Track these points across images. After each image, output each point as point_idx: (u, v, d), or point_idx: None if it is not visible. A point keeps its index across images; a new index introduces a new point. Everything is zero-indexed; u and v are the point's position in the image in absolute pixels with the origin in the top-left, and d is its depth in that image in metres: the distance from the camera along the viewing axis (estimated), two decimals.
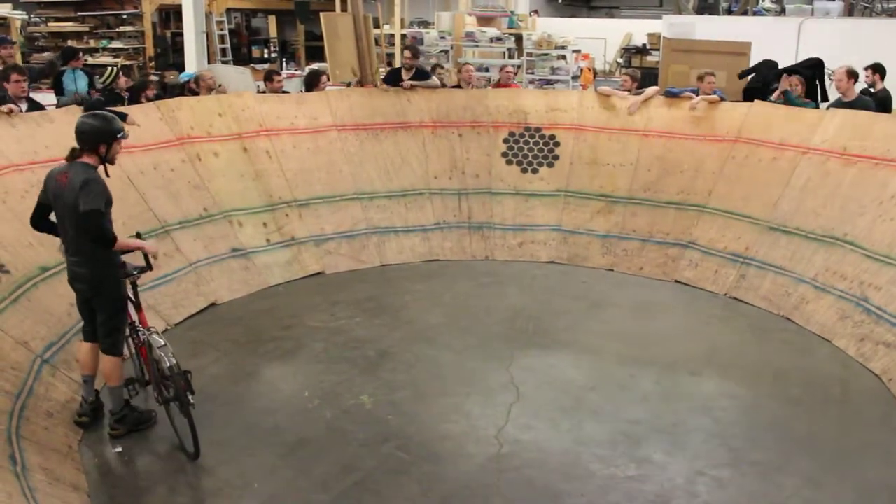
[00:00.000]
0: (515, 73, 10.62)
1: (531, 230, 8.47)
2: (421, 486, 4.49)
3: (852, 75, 7.47)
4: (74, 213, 4.42)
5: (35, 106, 6.92)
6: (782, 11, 14.50)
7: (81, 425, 4.92)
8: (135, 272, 4.78)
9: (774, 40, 12.68)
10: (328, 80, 9.20)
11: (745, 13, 15.57)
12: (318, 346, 6.25)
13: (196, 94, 8.46)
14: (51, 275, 5.56)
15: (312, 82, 8.84)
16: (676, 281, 7.72)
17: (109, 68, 8.04)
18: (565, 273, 8.03)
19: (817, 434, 5.06)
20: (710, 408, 5.36)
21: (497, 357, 6.06)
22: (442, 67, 11.10)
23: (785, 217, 7.23)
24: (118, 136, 4.59)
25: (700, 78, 8.26)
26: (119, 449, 4.77)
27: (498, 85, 9.63)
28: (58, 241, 4.78)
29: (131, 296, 4.84)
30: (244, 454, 4.75)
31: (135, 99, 7.80)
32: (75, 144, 4.55)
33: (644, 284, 7.72)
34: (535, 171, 8.67)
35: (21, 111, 6.47)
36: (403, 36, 18.47)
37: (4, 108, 6.24)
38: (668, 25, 14.11)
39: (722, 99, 8.15)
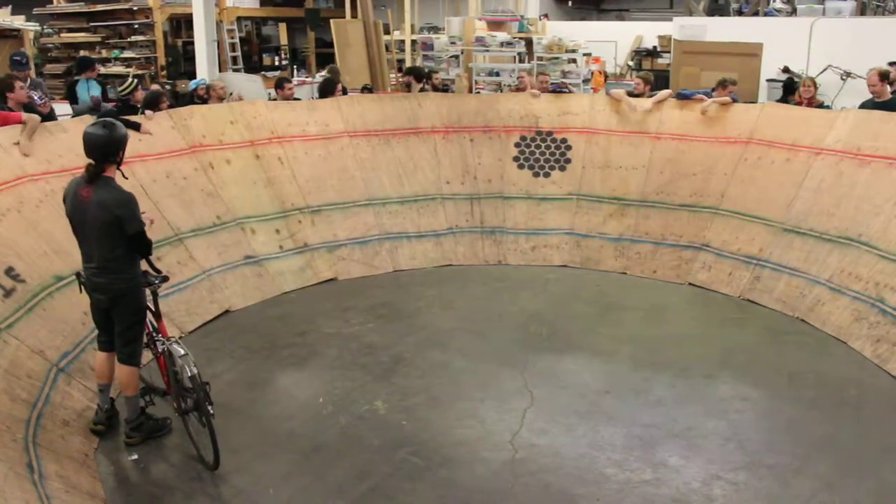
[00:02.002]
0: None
1: (544, 234, 8.46)
2: (436, 491, 4.49)
3: (884, 77, 7.38)
4: (102, 228, 4.46)
5: (31, 109, 6.97)
6: (793, 12, 14.46)
7: (97, 433, 4.95)
8: (155, 281, 4.79)
9: (786, 41, 12.67)
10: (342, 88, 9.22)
11: (755, 14, 15.52)
12: (331, 352, 6.26)
13: (204, 101, 8.50)
14: (65, 284, 5.59)
15: (327, 90, 8.85)
16: (690, 283, 7.70)
17: (130, 79, 8.07)
18: (578, 277, 8.02)
19: (834, 437, 5.03)
20: (726, 411, 5.33)
21: (511, 362, 6.05)
22: (436, 72, 11.09)
23: (799, 218, 7.20)
24: (127, 138, 4.62)
25: (723, 85, 8.18)
26: (135, 457, 4.79)
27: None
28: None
29: (151, 305, 4.85)
30: (259, 461, 4.76)
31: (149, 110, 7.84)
32: (86, 159, 4.54)
33: (657, 287, 7.70)
34: (546, 174, 8.66)
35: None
36: (414, 41, 18.53)
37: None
38: (678, 27, 14.10)
39: (734, 101, 8.12)
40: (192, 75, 14.41)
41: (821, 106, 8.22)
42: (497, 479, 4.59)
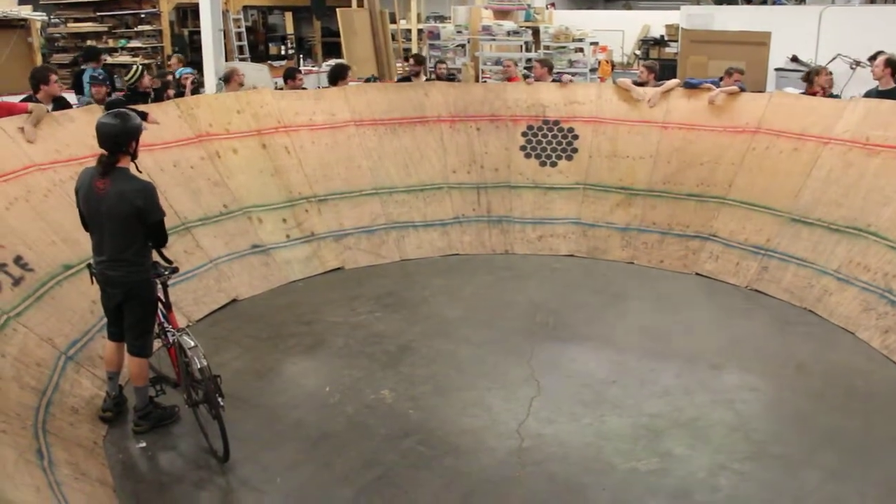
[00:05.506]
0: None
1: (550, 223, 8.45)
2: (442, 479, 4.50)
3: (890, 64, 7.34)
4: (120, 220, 4.45)
5: (62, 103, 6.99)
6: (802, 0, 14.36)
7: (105, 420, 4.98)
8: (165, 273, 4.78)
9: (795, 29, 12.57)
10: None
11: (764, 2, 15.41)
12: (338, 341, 6.27)
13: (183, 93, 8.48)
14: (74, 272, 5.61)
15: (339, 75, 8.83)
16: (697, 273, 7.68)
17: (134, 67, 8.07)
18: (585, 266, 8.01)
19: (841, 427, 5.02)
20: (732, 401, 5.33)
21: (517, 351, 6.06)
22: (443, 63, 11.09)
23: (807, 208, 7.17)
24: (142, 129, 4.62)
25: (729, 74, 8.16)
26: (143, 444, 4.82)
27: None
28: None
29: (161, 297, 4.85)
30: (267, 449, 4.78)
31: (158, 98, 7.87)
32: (98, 148, 4.52)
33: (664, 277, 7.68)
34: (553, 164, 8.64)
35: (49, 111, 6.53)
36: (420, 31, 18.48)
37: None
38: (686, 16, 14.01)
39: (742, 90, 8.08)
40: (199, 65, 14.41)
41: (830, 95, 8.17)
42: (503, 468, 4.60)
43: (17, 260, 5.32)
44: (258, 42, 22.22)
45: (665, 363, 5.87)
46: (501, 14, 16.93)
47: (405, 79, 9.72)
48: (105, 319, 4.94)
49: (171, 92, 8.18)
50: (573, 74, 11.92)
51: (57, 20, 19.26)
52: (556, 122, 8.72)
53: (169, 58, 18.00)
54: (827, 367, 5.83)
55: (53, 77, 6.85)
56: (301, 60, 20.05)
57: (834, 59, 11.59)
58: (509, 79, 9.58)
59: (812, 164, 7.27)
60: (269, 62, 18.71)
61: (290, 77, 8.90)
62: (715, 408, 5.24)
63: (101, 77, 7.63)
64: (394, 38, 17.12)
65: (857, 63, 11.27)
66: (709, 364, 5.87)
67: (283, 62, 18.94)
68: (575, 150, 8.62)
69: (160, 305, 4.86)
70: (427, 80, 9.90)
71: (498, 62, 15.61)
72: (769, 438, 4.89)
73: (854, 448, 4.78)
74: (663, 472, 4.55)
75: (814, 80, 7.96)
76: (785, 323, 6.61)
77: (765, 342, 6.28)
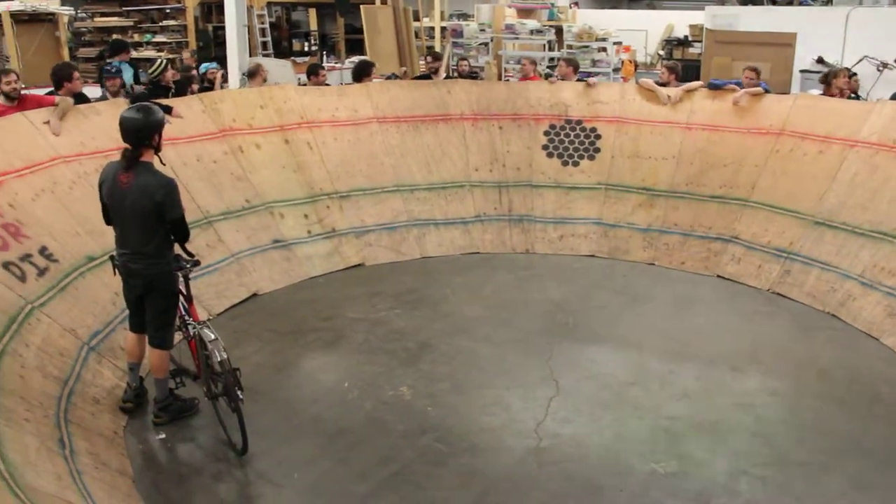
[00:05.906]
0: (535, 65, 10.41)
1: (571, 223, 8.42)
2: (460, 478, 4.50)
3: None
4: (142, 214, 4.48)
5: (82, 99, 7.06)
6: (829, 1, 14.22)
7: (126, 411, 5.02)
8: (187, 266, 4.81)
9: (821, 31, 12.44)
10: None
11: (790, 3, 15.27)
12: (358, 337, 6.28)
13: (209, 87, 8.51)
14: (97, 264, 5.66)
15: (363, 72, 8.85)
16: (718, 276, 7.61)
17: (158, 61, 8.14)
18: (606, 267, 7.97)
19: (864, 434, 4.95)
20: (753, 405, 5.28)
21: (537, 350, 6.04)
22: (465, 60, 11.10)
23: (831, 212, 7.09)
24: (164, 123, 4.65)
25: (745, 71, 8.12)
26: (162, 436, 4.86)
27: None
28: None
29: (183, 289, 4.88)
30: (284, 443, 4.80)
31: (180, 92, 7.91)
32: (122, 142, 4.55)
33: (685, 279, 7.63)
34: (575, 163, 8.60)
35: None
36: (443, 28, 18.48)
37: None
38: (710, 17, 13.93)
39: (766, 91, 8.00)
40: (223, 60, 14.54)
41: (855, 97, 8.07)
42: (521, 468, 4.59)
43: (42, 251, 5.38)
44: (282, 38, 22.28)
45: (685, 365, 5.83)
46: (525, 13, 16.92)
47: (425, 76, 9.73)
48: (127, 311, 4.98)
49: (196, 87, 8.22)
50: (596, 74, 11.87)
51: (84, 14, 19.44)
52: (579, 122, 8.68)
53: (193, 53, 18.16)
54: (850, 373, 5.76)
55: (76, 74, 6.95)
56: (324, 57, 20.09)
57: (860, 60, 11.47)
58: (527, 78, 9.49)
59: (837, 167, 7.19)
60: (293, 58, 18.75)
61: (314, 73, 8.93)
62: (735, 411, 5.20)
63: (113, 70, 7.69)
64: (417, 36, 17.13)
65: (885, 65, 11.15)
66: (729, 367, 5.82)
67: (307, 58, 18.95)
68: (597, 150, 8.57)
69: (181, 298, 4.89)
70: (448, 77, 9.90)
71: (521, 61, 15.60)
72: (790, 444, 4.85)
73: (878, 455, 4.72)
74: (682, 476, 4.52)
75: (831, 83, 7.84)
76: (807, 327, 6.54)
77: (786, 346, 6.22)
